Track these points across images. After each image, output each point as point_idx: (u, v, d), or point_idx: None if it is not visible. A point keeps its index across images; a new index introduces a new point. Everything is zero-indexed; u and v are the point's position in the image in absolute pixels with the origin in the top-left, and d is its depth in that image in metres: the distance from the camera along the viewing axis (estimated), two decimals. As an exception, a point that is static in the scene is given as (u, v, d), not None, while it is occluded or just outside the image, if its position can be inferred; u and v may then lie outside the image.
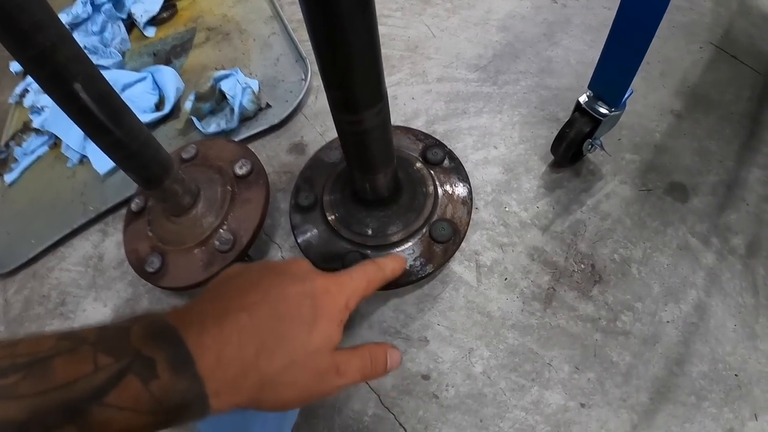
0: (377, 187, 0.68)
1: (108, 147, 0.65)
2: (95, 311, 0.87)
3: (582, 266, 0.79)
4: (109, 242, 0.95)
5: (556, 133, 0.88)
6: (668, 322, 0.72)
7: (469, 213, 0.74)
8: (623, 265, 0.78)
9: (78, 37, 1.23)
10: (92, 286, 0.90)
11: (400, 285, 0.70)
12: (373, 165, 0.64)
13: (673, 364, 0.69)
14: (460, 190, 0.76)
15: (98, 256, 0.94)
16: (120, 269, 0.91)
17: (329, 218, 0.73)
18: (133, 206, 0.85)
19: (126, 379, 0.27)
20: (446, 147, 0.80)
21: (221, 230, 0.76)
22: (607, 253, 0.79)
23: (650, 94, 0.96)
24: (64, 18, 1.23)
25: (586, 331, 0.73)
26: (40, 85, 0.56)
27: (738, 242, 0.79)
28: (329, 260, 0.71)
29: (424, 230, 0.72)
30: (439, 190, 0.75)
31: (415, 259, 0.70)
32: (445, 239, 0.71)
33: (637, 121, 0.92)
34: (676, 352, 0.70)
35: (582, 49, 1.05)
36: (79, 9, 1.23)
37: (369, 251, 0.71)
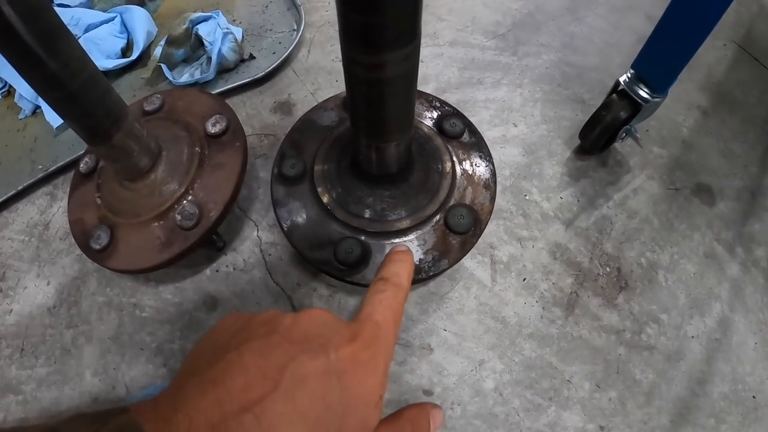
0: (386, 159, 0.49)
1: (39, 83, 0.45)
2: (37, 290, 0.67)
3: (608, 269, 0.64)
4: (56, 208, 0.74)
5: (581, 115, 0.72)
6: (693, 337, 0.61)
7: (493, 199, 0.55)
8: (650, 271, 0.64)
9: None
10: (35, 260, 0.70)
11: (405, 284, 0.51)
12: (387, 129, 0.44)
13: (696, 384, 0.59)
14: (482, 170, 0.57)
15: (44, 223, 0.73)
16: (67, 240, 0.71)
17: (321, 195, 0.53)
18: (82, 166, 0.64)
19: None
20: (465, 118, 0.60)
21: (185, 201, 0.55)
22: (633, 256, 0.65)
23: (676, 86, 0.79)
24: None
25: (609, 344, 0.59)
26: None
27: (761, 254, 0.67)
28: (317, 247, 0.51)
29: (438, 217, 0.53)
30: (458, 169, 0.56)
31: (426, 252, 0.51)
32: (464, 230, 0.52)
33: (665, 114, 0.77)
34: (699, 371, 0.59)
35: (607, 29, 0.87)
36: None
37: (368, 239, 0.52)
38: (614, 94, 0.65)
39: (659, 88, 0.61)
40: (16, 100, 0.86)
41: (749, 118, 0.80)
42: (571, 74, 0.80)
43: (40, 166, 0.77)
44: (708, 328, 0.61)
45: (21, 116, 0.85)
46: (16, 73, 0.86)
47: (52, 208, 0.74)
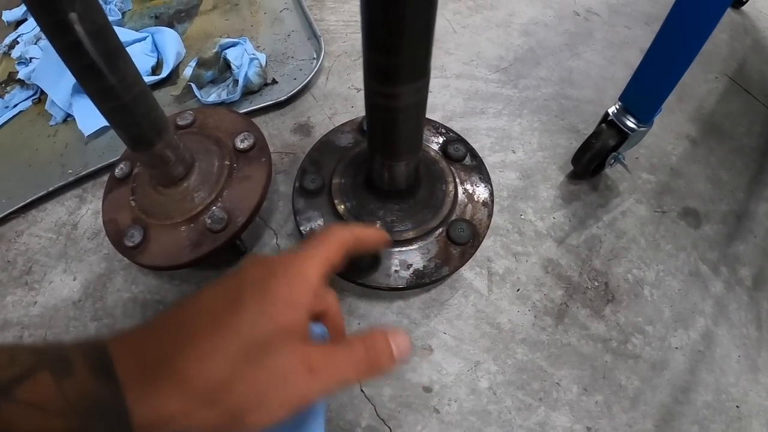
0: (397, 176, 0.57)
1: (96, 94, 0.53)
2: (63, 284, 0.74)
3: (596, 283, 0.71)
4: (85, 210, 0.81)
5: (575, 143, 0.81)
6: (677, 348, 0.66)
7: (490, 216, 0.64)
8: (636, 286, 0.71)
9: (76, -9, 1.08)
10: (62, 256, 0.77)
11: (412, 286, 0.59)
12: (399, 150, 0.53)
13: (679, 392, 0.64)
14: (481, 190, 0.66)
15: (72, 224, 0.80)
16: (95, 241, 0.77)
17: (338, 206, 0.62)
18: (118, 171, 0.71)
19: (38, 373, 0.23)
20: (468, 143, 0.70)
21: (214, 207, 0.63)
22: (621, 272, 0.72)
23: (667, 117, 0.89)
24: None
25: (596, 351, 0.65)
26: (29, 10, 0.45)
27: (745, 273, 0.74)
28: (334, 252, 0.60)
29: (440, 230, 0.61)
30: (459, 189, 0.65)
31: (429, 260, 0.60)
32: (464, 241, 0.60)
33: (655, 142, 0.85)
34: (683, 380, 0.64)
35: (603, 64, 0.97)
36: (81, -39, 1.08)
37: (380, 246, 0.60)
38: (603, 124, 0.72)
39: (644, 118, 0.68)
40: (47, 107, 0.94)
41: (737, 147, 0.87)
42: (568, 106, 0.89)
43: (70, 171, 0.84)
44: (692, 341, 0.67)
45: (52, 123, 0.93)
46: (51, 81, 0.96)
47: (81, 210, 0.81)
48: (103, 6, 1.06)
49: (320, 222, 0.62)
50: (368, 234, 0.35)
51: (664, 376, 0.64)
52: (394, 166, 0.55)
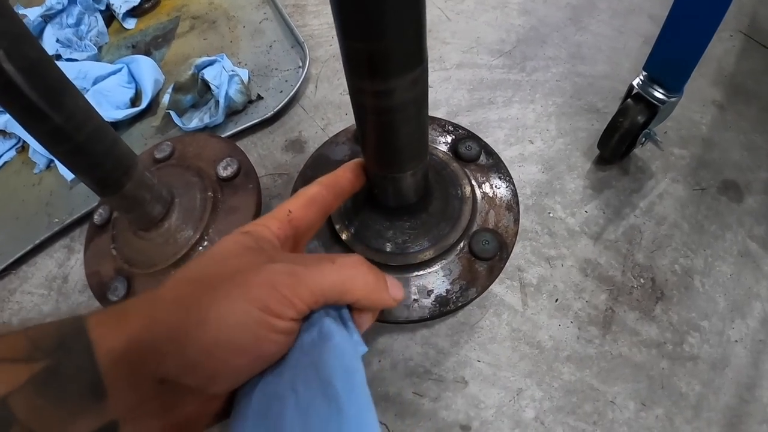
0: (403, 190, 0.46)
1: (44, 137, 0.44)
2: None
3: (641, 281, 0.61)
4: (74, 261, 0.73)
5: (597, 125, 0.70)
6: (737, 341, 0.57)
7: (516, 221, 0.52)
8: (685, 278, 0.61)
9: (52, 30, 1.00)
10: (55, 313, 0.69)
11: (436, 316, 0.48)
12: (401, 160, 0.42)
13: (744, 390, 0.55)
14: (503, 192, 0.54)
15: (63, 276, 0.72)
16: (86, 293, 0.69)
17: (339, 231, 0.50)
18: (96, 218, 0.62)
19: (8, 336, 0.21)
20: (480, 139, 0.58)
21: (201, 247, 0.53)
22: (666, 263, 0.62)
23: (689, 83, 0.77)
24: (37, 10, 0.99)
25: (651, 358, 0.56)
26: None
27: None
28: (340, 286, 0.49)
29: (462, 244, 0.50)
30: (477, 193, 0.53)
31: (452, 283, 0.48)
32: (490, 255, 0.49)
33: (681, 113, 0.74)
34: (746, 376, 0.56)
35: (612, 35, 0.85)
36: (54, 0, 0.99)
37: (392, 273, 0.49)
38: (629, 99, 0.62)
39: (675, 87, 0.58)
40: (30, 155, 0.86)
41: (766, 107, 0.76)
42: (582, 84, 0.78)
43: (57, 219, 0.76)
44: (751, 330, 0.58)
45: (36, 171, 0.85)
46: (29, 130, 0.87)
47: (70, 261, 0.73)
48: (79, 42, 0.98)
49: (321, 250, 0.51)
50: (340, 178, 0.35)
51: (726, 375, 0.56)
52: (398, 178, 0.44)
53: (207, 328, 0.22)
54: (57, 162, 0.82)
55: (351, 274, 0.26)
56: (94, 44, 0.99)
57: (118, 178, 0.49)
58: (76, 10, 1.02)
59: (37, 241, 0.74)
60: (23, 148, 0.91)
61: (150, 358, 0.22)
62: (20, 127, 0.87)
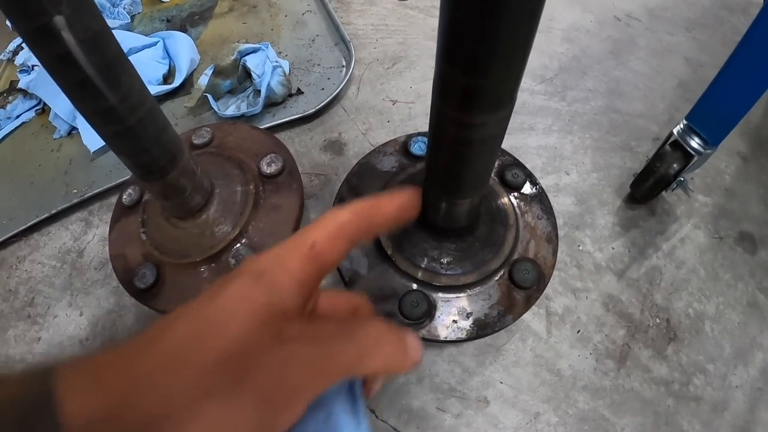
0: (457, 215, 0.46)
1: (95, 116, 0.41)
2: (68, 319, 0.63)
3: (657, 320, 0.62)
4: (91, 236, 0.70)
5: (629, 163, 0.71)
6: (737, 386, 0.59)
7: (555, 253, 0.52)
8: (697, 322, 0.63)
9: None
10: (67, 288, 0.66)
11: (473, 338, 0.48)
12: (466, 188, 0.41)
13: None
14: (544, 223, 0.54)
15: (78, 251, 0.69)
16: (102, 271, 0.67)
17: (385, 246, 0.50)
18: (126, 198, 0.60)
19: None
20: (526, 167, 0.57)
21: (239, 244, 0.52)
22: (682, 306, 0.63)
23: None
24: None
25: (659, 395, 0.58)
26: (5, 13, 0.33)
27: None
28: (382, 299, 0.48)
29: (503, 272, 0.50)
30: (521, 222, 0.53)
31: (491, 308, 0.48)
32: (529, 285, 0.49)
33: (708, 161, 0.73)
34: (743, 420, 0.58)
35: (650, 74, 0.85)
36: (89, -39, 0.95)
37: (434, 292, 0.48)
38: (667, 146, 0.62)
39: (714, 140, 0.59)
40: (50, 119, 0.83)
41: None
42: (619, 121, 0.78)
43: (75, 190, 0.73)
44: (751, 378, 0.60)
45: (56, 136, 0.82)
46: (51, 91, 0.84)
47: (86, 235, 0.70)
48: (112, 9, 0.94)
49: (364, 264, 0.50)
50: (383, 207, 0.25)
51: (724, 418, 0.57)
52: (455, 204, 0.44)
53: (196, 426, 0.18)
54: (81, 131, 0.79)
55: (373, 349, 0.22)
56: (127, 12, 0.96)
57: (164, 166, 0.47)
58: (110, -26, 0.98)
59: (54, 211, 0.71)
60: (43, 110, 0.88)
61: None
62: (44, 89, 0.85)
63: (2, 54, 1.03)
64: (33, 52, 0.36)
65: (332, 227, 0.24)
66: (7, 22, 1.10)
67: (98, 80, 0.37)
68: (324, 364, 0.20)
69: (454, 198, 0.43)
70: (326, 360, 0.20)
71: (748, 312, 0.64)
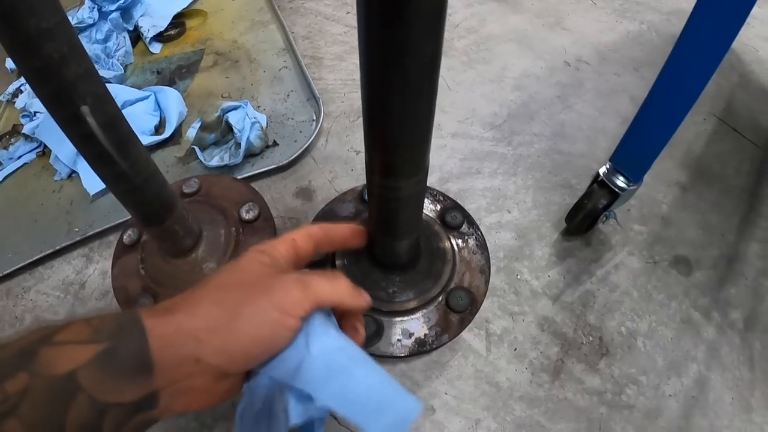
0: (398, 253, 0.62)
1: (109, 178, 0.57)
2: None
3: (590, 338, 0.75)
4: (92, 270, 0.85)
5: (568, 199, 0.85)
6: (670, 395, 0.70)
7: (487, 282, 0.69)
8: (630, 338, 0.75)
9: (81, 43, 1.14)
10: (71, 316, 0.80)
11: (414, 354, 0.64)
12: (399, 232, 0.58)
13: None
14: (478, 258, 0.71)
15: (80, 283, 0.84)
16: (103, 301, 0.81)
17: (343, 278, 0.67)
18: (126, 238, 0.76)
19: (74, 323, 0.29)
20: (465, 210, 0.75)
21: (222, 279, 0.68)
22: (614, 325, 0.76)
23: (657, 165, 0.89)
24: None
25: (592, 404, 0.69)
26: (42, 103, 0.48)
27: (737, 316, 0.77)
28: (339, 323, 0.64)
29: (440, 298, 0.66)
30: (457, 257, 0.70)
31: (430, 328, 0.64)
32: (462, 309, 0.65)
33: (646, 192, 0.90)
34: (677, 426, 0.68)
35: (593, 115, 1.02)
36: (86, 13, 1.14)
37: (381, 317, 0.65)
38: (595, 184, 0.76)
39: (635, 178, 0.72)
40: (51, 161, 0.98)
41: (727, 189, 0.91)
42: (560, 161, 0.94)
43: (77, 229, 0.88)
44: (685, 387, 0.70)
45: (57, 178, 0.97)
46: (56, 139, 1.00)
47: (88, 269, 0.85)
48: (107, 60, 1.12)
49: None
50: (336, 230, 0.49)
51: (658, 424, 0.68)
52: (395, 245, 0.60)
53: (237, 323, 0.32)
54: (81, 175, 0.95)
55: (340, 286, 0.39)
56: (120, 63, 1.14)
57: (162, 215, 0.63)
58: (106, 27, 1.16)
59: (57, 247, 0.85)
60: (44, 153, 1.03)
61: (190, 342, 0.30)
62: (48, 134, 1.01)
63: (2, 96, 1.19)
64: (64, 132, 0.51)
65: (305, 232, 0.44)
66: (7, 65, 1.29)
67: (113, 152, 0.52)
68: (313, 287, 0.36)
69: (392, 239, 0.60)
70: (313, 285, 0.36)
71: (682, 328, 0.75)
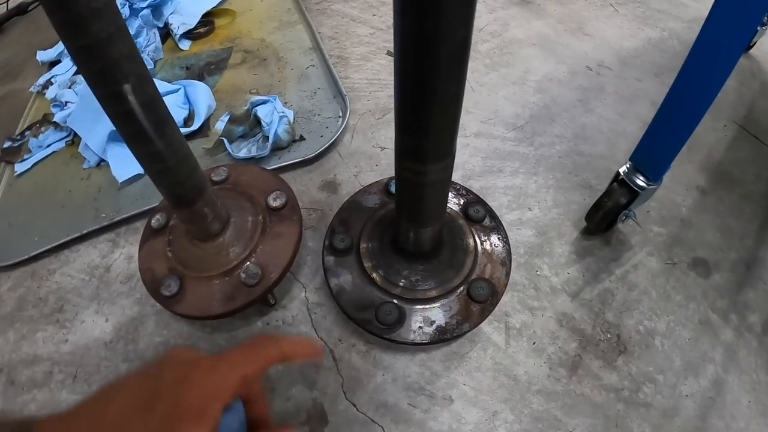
0: (422, 240, 0.63)
1: (145, 157, 0.58)
2: (95, 325, 0.79)
3: (608, 335, 0.75)
4: (118, 254, 0.87)
5: (588, 200, 0.86)
6: (687, 395, 0.70)
7: (508, 274, 0.69)
8: (647, 337, 0.75)
9: (111, 40, 1.17)
10: (95, 298, 0.82)
11: (434, 342, 0.64)
12: (425, 218, 0.59)
13: None
14: (500, 250, 0.71)
15: (105, 266, 0.86)
16: (128, 284, 0.83)
17: (366, 265, 0.68)
18: (154, 222, 0.78)
19: None
20: (487, 204, 0.76)
21: (248, 263, 0.69)
22: (632, 323, 0.76)
23: (677, 168, 0.94)
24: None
25: (609, 400, 0.69)
26: (87, 81, 0.50)
27: (755, 320, 0.77)
28: (362, 309, 0.65)
29: (462, 288, 0.67)
30: (479, 249, 0.70)
31: (451, 317, 0.65)
32: (483, 299, 0.66)
33: (665, 195, 0.91)
34: (693, 426, 0.67)
35: (614, 119, 1.03)
36: (117, 9, 1.17)
37: (404, 304, 0.65)
38: (615, 183, 0.77)
39: (654, 177, 0.73)
40: (80, 150, 1.01)
41: (746, 194, 0.91)
42: (581, 162, 0.95)
43: (104, 215, 0.90)
44: (702, 388, 0.70)
45: (85, 166, 1.00)
46: (87, 127, 1.03)
47: (113, 254, 0.87)
48: (137, 55, 1.15)
49: (349, 279, 0.68)
50: (297, 351, 0.38)
51: (674, 423, 0.67)
52: (419, 231, 0.61)
53: None
54: (111, 163, 0.98)
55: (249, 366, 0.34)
56: (151, 59, 1.17)
57: (193, 197, 0.64)
58: (137, 23, 1.19)
59: (84, 231, 0.87)
60: (73, 142, 1.06)
61: None
62: (79, 123, 1.04)
63: (33, 87, 1.23)
64: (105, 110, 0.52)
65: (262, 364, 0.35)
66: (38, 58, 1.33)
67: (151, 131, 0.53)
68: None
69: (418, 227, 0.61)
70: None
71: (700, 329, 0.75)
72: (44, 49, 1.34)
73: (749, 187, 0.93)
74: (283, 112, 0.92)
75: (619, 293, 0.79)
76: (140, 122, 0.52)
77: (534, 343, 0.74)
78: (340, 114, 0.99)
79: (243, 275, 0.68)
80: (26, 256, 0.87)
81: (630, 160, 0.75)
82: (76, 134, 1.04)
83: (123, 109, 0.51)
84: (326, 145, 0.93)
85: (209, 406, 0.30)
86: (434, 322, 0.65)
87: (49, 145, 1.08)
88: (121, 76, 0.48)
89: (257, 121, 0.92)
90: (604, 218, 0.79)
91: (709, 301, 0.79)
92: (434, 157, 0.49)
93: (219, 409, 0.31)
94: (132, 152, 0.58)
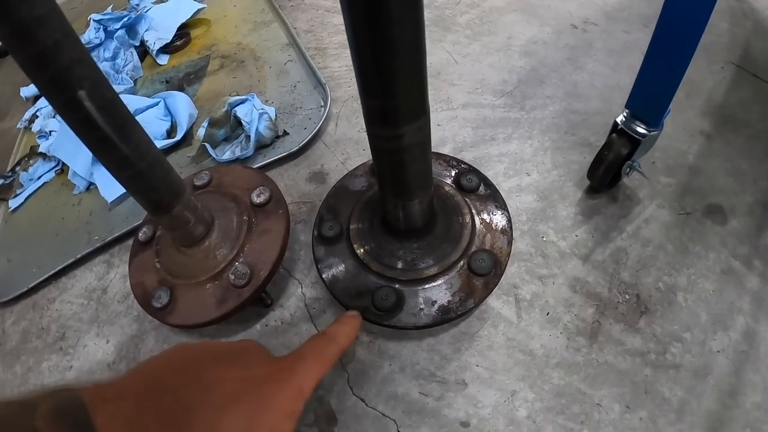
0: (412, 215, 0.59)
1: (112, 164, 0.55)
2: (96, 348, 0.77)
3: (627, 297, 0.70)
4: (113, 274, 0.85)
5: (588, 158, 0.81)
6: (718, 351, 0.65)
7: (510, 243, 0.64)
8: (669, 294, 0.70)
9: (90, 64, 1.16)
10: (94, 321, 0.80)
11: (438, 323, 0.59)
12: (410, 189, 0.54)
13: (726, 397, 0.62)
14: (498, 218, 0.66)
15: (102, 288, 0.84)
16: (125, 303, 0.81)
17: (357, 251, 0.63)
18: (141, 235, 0.75)
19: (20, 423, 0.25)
20: (480, 173, 0.71)
21: (237, 263, 0.65)
22: (651, 281, 0.71)
23: (678, 116, 0.89)
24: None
25: (635, 366, 0.64)
26: (39, 90, 0.48)
27: None
28: (358, 296, 0.61)
29: (462, 263, 0.62)
30: (476, 219, 0.66)
31: (453, 294, 0.60)
32: (486, 272, 0.61)
33: (669, 144, 0.85)
34: (728, 383, 0.63)
35: (606, 73, 0.98)
36: (92, 34, 1.17)
37: (402, 286, 0.61)
38: (614, 134, 0.72)
39: (653, 122, 0.68)
40: (69, 177, 1.00)
41: (754, 134, 0.86)
42: (577, 120, 0.90)
43: (97, 237, 0.88)
44: (733, 341, 0.65)
45: (75, 192, 0.99)
46: (69, 153, 1.02)
47: (109, 275, 0.85)
48: (116, 75, 1.13)
49: (341, 268, 0.63)
50: (349, 334, 0.43)
51: (708, 382, 0.63)
52: (407, 205, 0.57)
53: None
54: (99, 185, 0.96)
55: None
56: (130, 78, 1.15)
57: (170, 201, 0.61)
58: (113, 44, 1.18)
59: (79, 255, 0.85)
60: (62, 170, 1.05)
61: None
62: (62, 151, 1.03)
63: (20, 123, 1.23)
64: (62, 118, 0.50)
65: (329, 364, 0.40)
66: (21, 94, 1.33)
67: (113, 136, 0.51)
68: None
69: (405, 200, 0.56)
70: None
71: (723, 279, 0.70)
72: (26, 85, 1.34)
73: (756, 127, 0.88)
74: (262, 109, 0.88)
75: (632, 251, 0.74)
76: (101, 127, 0.50)
77: (548, 314, 0.68)
78: (322, 104, 0.96)
79: (232, 276, 0.64)
80: (26, 288, 0.86)
81: (626, 107, 0.70)
82: (64, 162, 1.03)
83: (81, 116, 0.49)
84: (310, 136, 0.90)
85: (284, 424, 0.32)
86: (436, 302, 0.60)
87: (39, 177, 1.06)
88: (75, 82, 0.46)
89: (238, 122, 0.89)
90: (607, 172, 0.74)
91: (729, 249, 0.73)
92: (406, 117, 0.45)
93: (294, 420, 0.33)
94: (101, 162, 0.56)
